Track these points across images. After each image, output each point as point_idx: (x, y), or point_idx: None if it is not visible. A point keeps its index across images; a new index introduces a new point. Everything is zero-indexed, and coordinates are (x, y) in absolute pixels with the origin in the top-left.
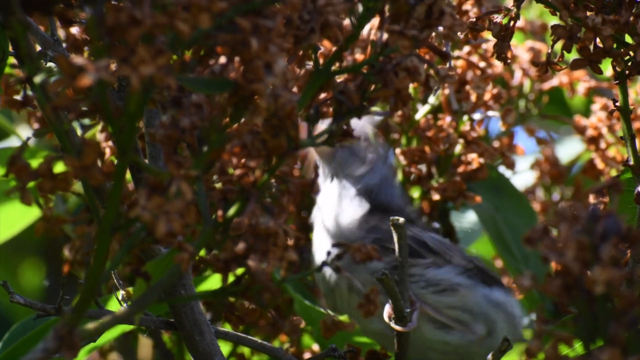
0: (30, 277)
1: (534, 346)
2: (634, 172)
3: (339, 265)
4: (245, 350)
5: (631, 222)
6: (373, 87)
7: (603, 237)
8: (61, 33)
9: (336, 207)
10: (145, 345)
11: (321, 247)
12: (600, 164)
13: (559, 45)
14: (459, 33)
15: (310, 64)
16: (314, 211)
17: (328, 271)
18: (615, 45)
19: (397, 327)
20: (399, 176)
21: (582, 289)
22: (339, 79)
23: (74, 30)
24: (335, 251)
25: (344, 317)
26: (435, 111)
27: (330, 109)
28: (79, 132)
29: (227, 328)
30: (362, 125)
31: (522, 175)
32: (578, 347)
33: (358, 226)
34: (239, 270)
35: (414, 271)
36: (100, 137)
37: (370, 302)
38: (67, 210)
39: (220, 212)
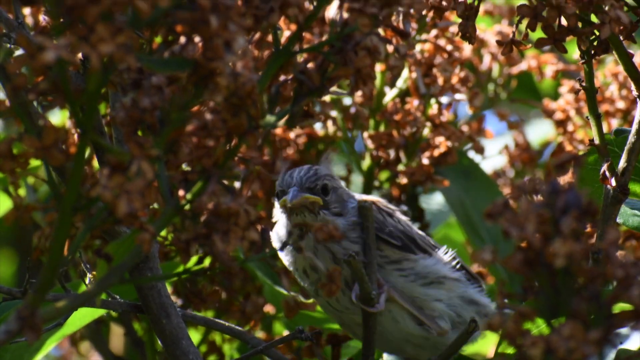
0: (4, 269)
1: (495, 320)
2: (599, 152)
3: (300, 245)
4: (217, 338)
5: (597, 201)
6: (333, 66)
7: (564, 211)
8: (29, 20)
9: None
10: (117, 334)
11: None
12: (568, 147)
13: (525, 26)
14: (422, 12)
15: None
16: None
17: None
18: (580, 24)
19: (366, 307)
20: (367, 162)
21: (544, 262)
22: (300, 59)
23: (42, 18)
24: (297, 231)
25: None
26: (403, 95)
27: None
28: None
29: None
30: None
31: (492, 159)
32: (543, 327)
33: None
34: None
35: (405, 265)
36: (69, 123)
37: (332, 281)
38: (38, 199)
39: (182, 193)
